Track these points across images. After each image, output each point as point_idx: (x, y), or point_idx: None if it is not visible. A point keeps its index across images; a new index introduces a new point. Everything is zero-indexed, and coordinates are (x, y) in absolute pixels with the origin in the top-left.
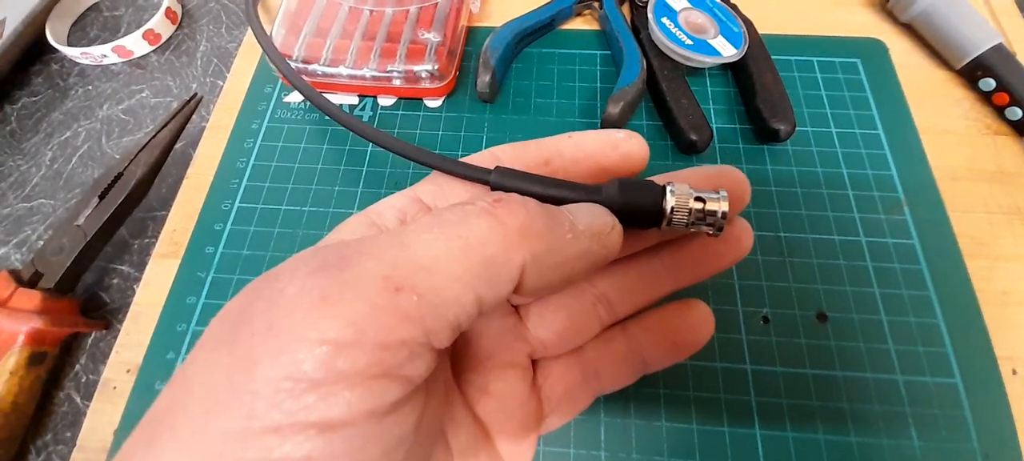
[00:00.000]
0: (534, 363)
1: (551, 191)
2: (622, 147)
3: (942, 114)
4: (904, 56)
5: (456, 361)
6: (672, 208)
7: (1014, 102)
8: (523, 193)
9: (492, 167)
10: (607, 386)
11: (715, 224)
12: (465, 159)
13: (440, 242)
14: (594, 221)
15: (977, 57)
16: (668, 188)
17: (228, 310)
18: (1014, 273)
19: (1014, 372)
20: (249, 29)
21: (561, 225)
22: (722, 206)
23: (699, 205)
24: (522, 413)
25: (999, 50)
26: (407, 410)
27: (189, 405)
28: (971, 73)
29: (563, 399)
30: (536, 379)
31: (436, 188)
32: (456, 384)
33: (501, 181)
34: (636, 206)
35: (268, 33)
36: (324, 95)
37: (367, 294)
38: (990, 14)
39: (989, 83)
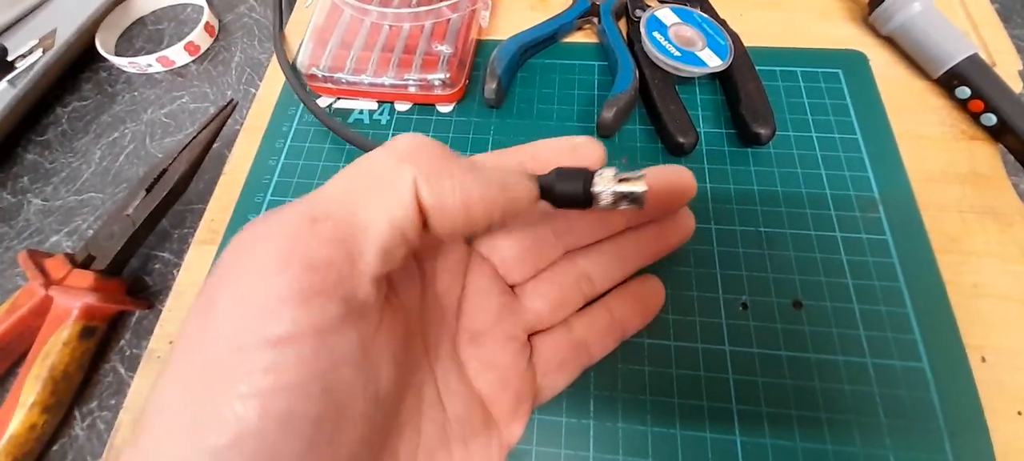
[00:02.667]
0: (529, 341)
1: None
2: (580, 151)
3: (919, 120)
4: (884, 66)
5: (458, 337)
6: (597, 191)
7: (989, 109)
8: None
9: None
10: (595, 354)
11: (636, 200)
12: None
13: (344, 180)
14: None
15: (953, 67)
16: (596, 173)
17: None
18: (986, 267)
19: (983, 360)
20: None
21: (453, 158)
22: (639, 186)
23: (621, 187)
24: (520, 384)
25: (974, 60)
26: (350, 331)
27: (174, 357)
28: (948, 82)
29: (557, 369)
30: (532, 356)
31: None
32: (457, 359)
33: None
34: (568, 189)
35: (299, 43)
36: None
37: (289, 228)
38: (971, 26)
39: (965, 91)
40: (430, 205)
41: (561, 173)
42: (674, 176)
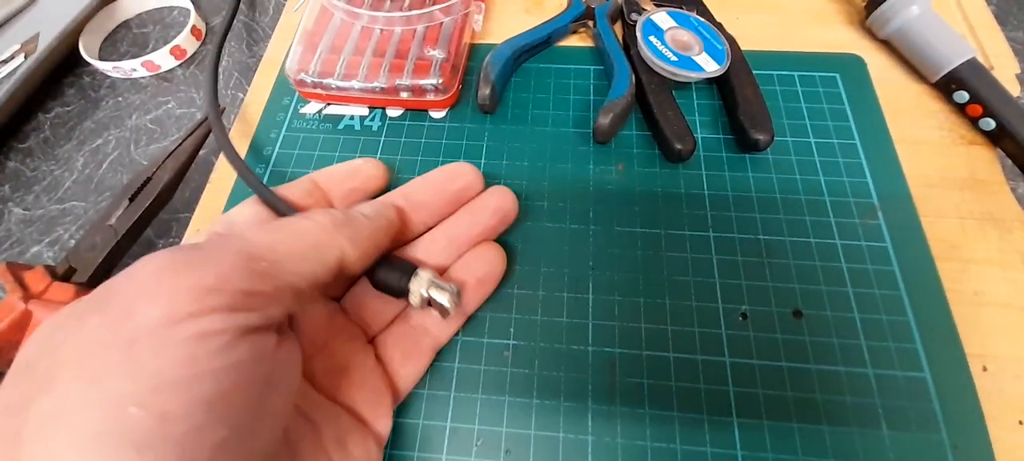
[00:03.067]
0: (372, 343)
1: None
2: (362, 171)
3: (917, 125)
4: (882, 70)
5: (306, 359)
6: (409, 294)
7: (987, 113)
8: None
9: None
10: (440, 338)
11: (442, 310)
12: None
13: (282, 234)
14: (375, 207)
15: (951, 71)
16: (410, 282)
17: (74, 308)
18: (986, 275)
19: (985, 369)
20: (268, 46)
21: (357, 217)
22: (444, 298)
23: (429, 294)
24: (373, 380)
25: (972, 64)
26: (265, 337)
27: (67, 360)
28: (946, 86)
29: (405, 360)
30: (378, 355)
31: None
32: (312, 382)
33: None
34: (387, 285)
35: (287, 47)
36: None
37: (227, 259)
38: (968, 29)
39: (963, 95)
40: (355, 259)
41: (384, 262)
42: (459, 177)
